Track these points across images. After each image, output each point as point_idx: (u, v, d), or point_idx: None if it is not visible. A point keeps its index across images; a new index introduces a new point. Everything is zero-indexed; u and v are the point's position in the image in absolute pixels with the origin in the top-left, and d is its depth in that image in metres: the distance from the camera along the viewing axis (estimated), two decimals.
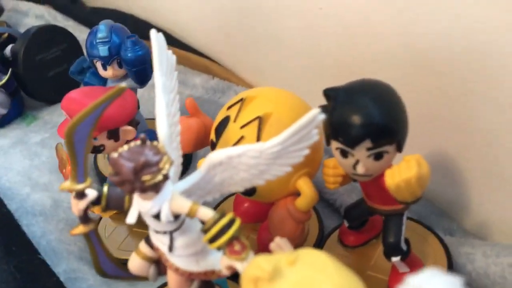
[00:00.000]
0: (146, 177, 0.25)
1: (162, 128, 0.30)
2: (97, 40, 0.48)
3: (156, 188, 0.26)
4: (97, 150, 0.43)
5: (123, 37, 0.49)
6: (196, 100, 0.63)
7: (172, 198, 0.28)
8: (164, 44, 0.33)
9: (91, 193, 0.31)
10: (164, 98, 0.31)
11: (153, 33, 0.32)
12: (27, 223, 0.51)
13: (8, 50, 0.70)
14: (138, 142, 0.27)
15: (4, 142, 0.65)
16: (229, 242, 0.27)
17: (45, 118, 0.70)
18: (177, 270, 0.31)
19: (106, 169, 0.56)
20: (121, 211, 0.31)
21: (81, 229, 0.32)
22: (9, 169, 0.59)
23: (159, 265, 0.33)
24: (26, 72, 0.68)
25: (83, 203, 0.30)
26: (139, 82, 0.50)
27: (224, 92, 0.65)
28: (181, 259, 0.31)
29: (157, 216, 0.28)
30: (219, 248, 0.27)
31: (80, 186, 0.30)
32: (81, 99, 0.41)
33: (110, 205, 0.31)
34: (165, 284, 0.41)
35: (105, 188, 0.31)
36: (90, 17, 0.84)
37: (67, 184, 0.30)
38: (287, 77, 0.59)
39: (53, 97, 0.70)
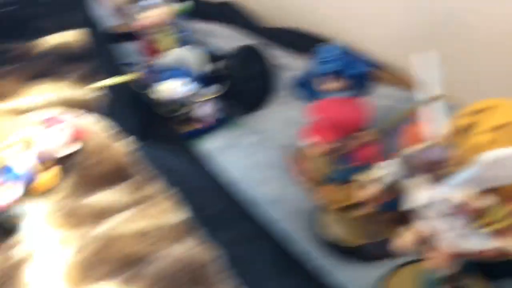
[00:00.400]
0: (439, 171, 0.33)
1: None
2: (325, 58, 0.58)
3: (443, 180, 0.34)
4: (336, 151, 0.52)
5: (347, 55, 0.58)
6: (388, 109, 0.68)
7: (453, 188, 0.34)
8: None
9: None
10: None
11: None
12: (260, 211, 0.62)
13: (214, 66, 0.84)
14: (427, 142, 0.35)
15: (221, 143, 0.78)
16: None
17: (249, 125, 0.78)
18: (448, 249, 0.38)
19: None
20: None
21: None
22: (233, 165, 0.72)
23: (425, 244, 0.40)
24: (236, 85, 0.76)
25: (374, 189, 0.39)
26: (359, 94, 0.58)
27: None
28: (454, 239, 0.37)
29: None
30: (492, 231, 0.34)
31: (380, 175, 0.38)
32: (324, 107, 0.52)
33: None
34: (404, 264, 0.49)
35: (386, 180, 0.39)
36: (273, 36, 0.96)
37: (371, 172, 0.39)
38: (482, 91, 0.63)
39: (253, 107, 0.84)
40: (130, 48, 1.13)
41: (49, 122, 0.64)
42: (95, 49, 1.05)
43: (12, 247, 0.56)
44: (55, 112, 0.76)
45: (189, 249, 0.47)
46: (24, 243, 0.56)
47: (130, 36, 1.17)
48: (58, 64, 0.98)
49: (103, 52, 1.07)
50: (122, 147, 0.63)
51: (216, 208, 0.55)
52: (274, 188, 0.66)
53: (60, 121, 0.64)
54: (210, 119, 0.79)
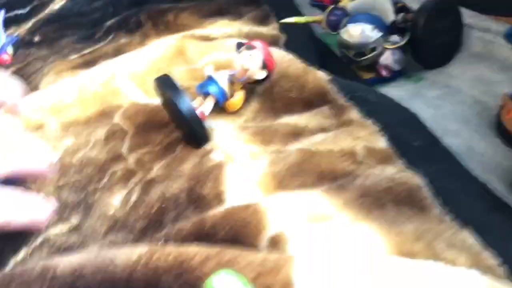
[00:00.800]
0: None
1: None
2: None
3: None
4: None
5: None
6: None
7: None
8: None
9: None
10: None
11: None
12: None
13: (399, 17, 0.83)
14: None
15: (403, 93, 0.79)
16: None
17: (431, 79, 0.79)
18: None
19: None
20: None
21: None
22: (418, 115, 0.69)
23: None
24: (422, 39, 0.78)
25: None
26: None
27: None
28: None
29: None
30: None
31: None
32: None
33: None
34: None
35: None
36: None
37: None
38: None
39: (439, 62, 0.83)
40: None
41: (244, 46, 0.67)
42: None
43: (207, 153, 0.59)
44: (246, 39, 0.79)
45: (393, 173, 0.47)
46: (217, 151, 0.59)
47: None
48: (235, 4, 1.02)
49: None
50: (314, 76, 0.64)
51: (418, 142, 0.54)
52: (464, 140, 0.65)
53: (253, 47, 0.66)
54: (394, 68, 0.79)
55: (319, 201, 0.46)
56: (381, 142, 0.53)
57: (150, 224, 0.55)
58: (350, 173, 0.50)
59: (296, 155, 0.54)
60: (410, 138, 0.54)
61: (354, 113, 0.58)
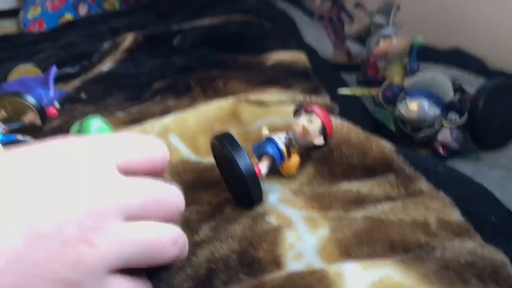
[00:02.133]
0: None
1: None
2: None
3: None
4: None
5: None
6: None
7: None
8: None
9: None
10: None
11: None
12: None
13: (456, 97, 0.85)
14: None
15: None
16: None
17: (490, 160, 0.78)
18: None
19: None
20: None
21: None
22: None
23: None
24: (481, 121, 0.76)
25: None
26: None
27: None
28: None
29: None
30: None
31: None
32: None
33: None
34: None
35: None
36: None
37: None
38: None
39: (493, 144, 0.82)
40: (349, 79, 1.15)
41: (303, 110, 0.66)
42: (318, 71, 1.08)
43: (260, 216, 0.56)
44: (304, 103, 0.77)
45: (474, 247, 0.44)
46: (272, 214, 0.56)
47: (348, 67, 1.22)
48: (284, 76, 1.03)
49: (326, 75, 1.10)
50: (378, 144, 0.61)
51: (495, 218, 0.50)
52: None
53: (312, 111, 0.64)
54: (452, 146, 0.77)
55: (394, 271, 0.43)
56: (455, 215, 0.50)
57: (198, 285, 0.51)
58: (424, 244, 0.47)
59: (363, 222, 0.51)
60: (485, 213, 0.50)
61: (423, 184, 0.55)
